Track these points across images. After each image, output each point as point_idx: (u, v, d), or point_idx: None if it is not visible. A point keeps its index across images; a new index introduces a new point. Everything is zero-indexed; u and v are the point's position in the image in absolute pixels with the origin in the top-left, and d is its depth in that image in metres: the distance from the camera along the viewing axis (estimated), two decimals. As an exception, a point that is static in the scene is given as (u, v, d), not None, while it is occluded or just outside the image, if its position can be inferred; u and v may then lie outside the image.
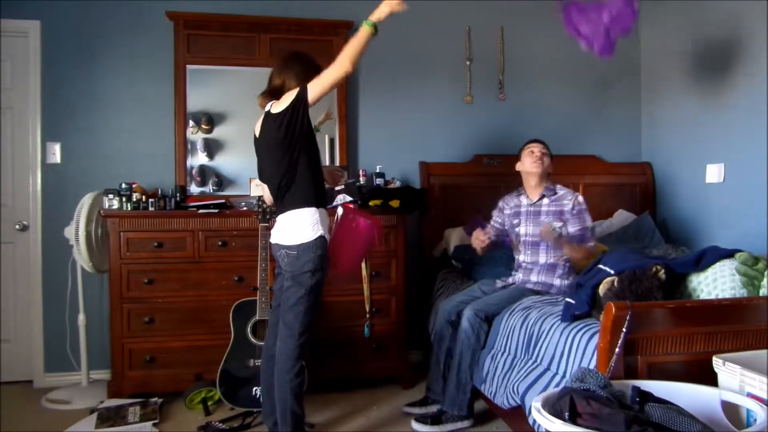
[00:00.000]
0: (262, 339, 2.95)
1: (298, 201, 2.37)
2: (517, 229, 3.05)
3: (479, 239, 3.02)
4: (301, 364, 2.38)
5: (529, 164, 3.03)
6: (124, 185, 3.22)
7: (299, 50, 2.65)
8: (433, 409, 2.94)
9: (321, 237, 2.35)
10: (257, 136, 2.51)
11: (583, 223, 2.95)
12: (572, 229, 2.93)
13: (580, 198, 2.98)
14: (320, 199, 2.42)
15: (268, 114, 2.41)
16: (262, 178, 2.55)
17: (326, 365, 3.28)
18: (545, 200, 3.01)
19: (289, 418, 2.35)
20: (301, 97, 2.30)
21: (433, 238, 3.88)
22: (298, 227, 2.35)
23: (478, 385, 2.76)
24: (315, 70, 2.39)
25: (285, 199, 2.40)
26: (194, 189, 3.67)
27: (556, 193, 3.02)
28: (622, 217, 3.99)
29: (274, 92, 2.46)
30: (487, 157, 3.98)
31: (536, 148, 3.06)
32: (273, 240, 2.47)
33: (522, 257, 3.04)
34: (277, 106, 2.36)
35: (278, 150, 2.36)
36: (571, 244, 2.89)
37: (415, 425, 2.79)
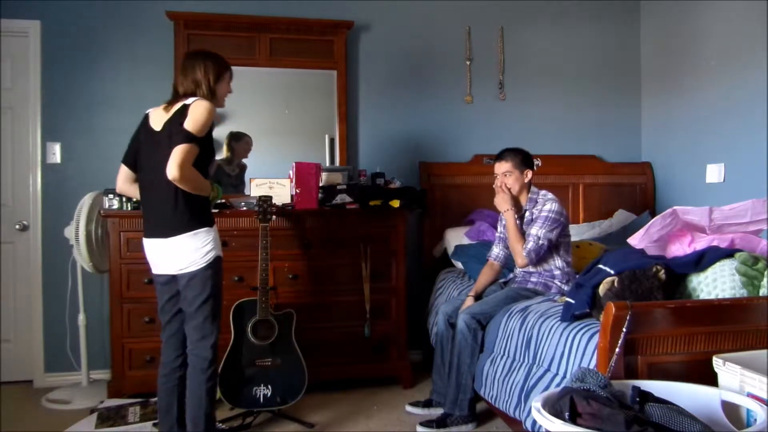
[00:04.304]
0: (263, 339, 2.94)
1: (193, 221, 2.28)
2: None
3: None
4: (215, 367, 2.35)
5: (496, 200, 2.96)
6: (124, 185, 3.21)
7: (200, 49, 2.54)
8: (437, 411, 2.93)
9: (217, 258, 2.33)
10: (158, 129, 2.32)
11: (539, 225, 2.83)
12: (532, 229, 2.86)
13: (548, 206, 2.86)
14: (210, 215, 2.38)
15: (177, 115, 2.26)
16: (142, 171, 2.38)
17: (326, 365, 3.28)
18: (527, 214, 2.95)
19: (203, 421, 2.31)
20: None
21: (433, 238, 3.88)
22: (195, 250, 2.28)
23: (478, 389, 2.75)
24: (219, 63, 2.37)
25: (177, 216, 2.27)
26: (194, 189, 3.66)
27: (537, 203, 2.93)
28: (622, 217, 4.00)
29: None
30: (487, 157, 3.97)
31: (498, 171, 2.95)
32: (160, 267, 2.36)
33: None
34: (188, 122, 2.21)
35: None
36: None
37: (420, 429, 2.79)
